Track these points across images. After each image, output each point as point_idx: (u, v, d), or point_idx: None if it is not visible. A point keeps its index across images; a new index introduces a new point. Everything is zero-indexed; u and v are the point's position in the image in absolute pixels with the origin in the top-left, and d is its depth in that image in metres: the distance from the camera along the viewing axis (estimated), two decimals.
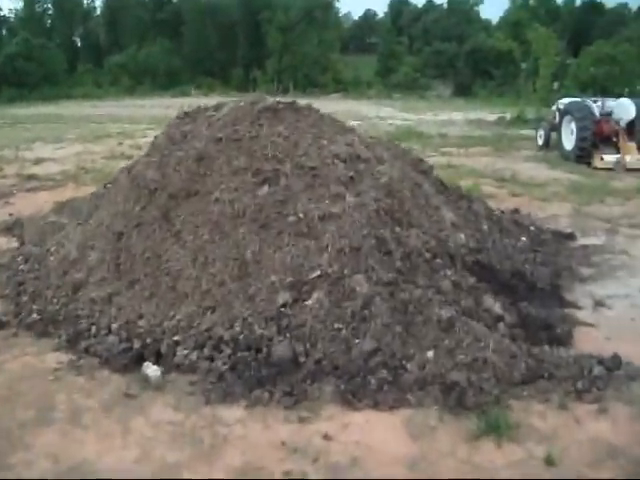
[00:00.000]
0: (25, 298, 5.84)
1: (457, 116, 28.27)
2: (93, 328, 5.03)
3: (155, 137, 6.82)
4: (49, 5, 63.37)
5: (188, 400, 4.21)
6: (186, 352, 4.59)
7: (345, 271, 4.82)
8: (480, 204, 7.68)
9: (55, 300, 5.61)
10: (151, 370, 4.43)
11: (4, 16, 64.54)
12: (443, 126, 23.54)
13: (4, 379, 4.55)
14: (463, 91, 47.25)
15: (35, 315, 5.44)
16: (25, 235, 8.24)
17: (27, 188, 12.02)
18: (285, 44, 50.84)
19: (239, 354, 4.50)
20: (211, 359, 4.53)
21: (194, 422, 3.97)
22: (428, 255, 5.24)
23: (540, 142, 17.18)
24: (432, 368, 4.23)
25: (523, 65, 46.59)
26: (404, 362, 4.31)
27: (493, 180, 12.36)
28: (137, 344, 4.70)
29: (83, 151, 16.95)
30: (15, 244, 8.05)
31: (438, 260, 5.30)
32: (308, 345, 4.47)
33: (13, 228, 8.89)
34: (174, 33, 57.14)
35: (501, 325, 4.93)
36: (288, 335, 4.55)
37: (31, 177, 12.93)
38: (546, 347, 4.71)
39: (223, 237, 5.24)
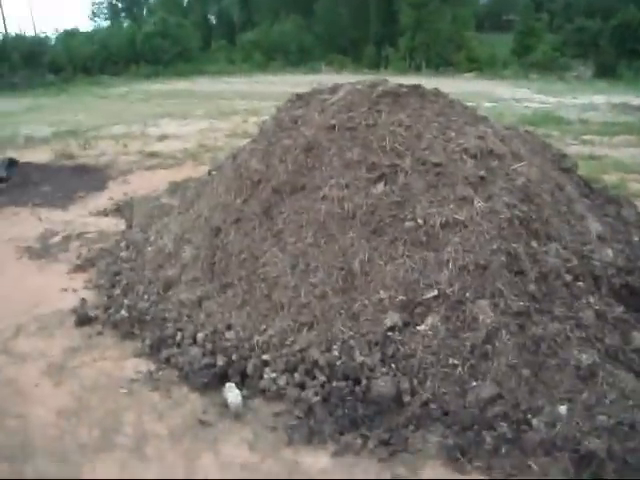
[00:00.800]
0: (118, 291, 5.53)
1: (599, 99, 26.04)
2: (178, 335, 4.56)
3: (263, 122, 6.26)
4: None
5: (268, 437, 3.62)
6: (274, 375, 4.00)
7: (467, 294, 4.02)
8: (631, 209, 6.58)
9: (146, 296, 5.23)
10: (232, 395, 3.87)
11: None
12: (584, 110, 21.68)
13: (76, 388, 4.19)
14: (606, 72, 43.82)
15: (124, 312, 5.10)
16: (133, 218, 8.04)
17: (147, 166, 11.98)
18: (418, 21, 49.25)
19: (334, 383, 3.85)
20: (302, 386, 3.92)
21: (270, 467, 3.37)
22: (568, 277, 4.33)
23: None
24: (564, 428, 3.36)
25: None
26: (529, 416, 3.48)
27: None
28: (221, 360, 4.16)
29: (208, 128, 16.88)
30: (123, 227, 7.87)
31: (580, 283, 4.38)
32: (415, 382, 3.74)
33: (124, 209, 8.78)
34: (306, 10, 56.94)
35: None
36: (393, 366, 3.85)
37: (153, 154, 12.90)
38: None
39: (329, 241, 4.58)
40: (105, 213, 8.78)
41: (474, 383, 3.65)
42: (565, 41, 50.34)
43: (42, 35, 46.99)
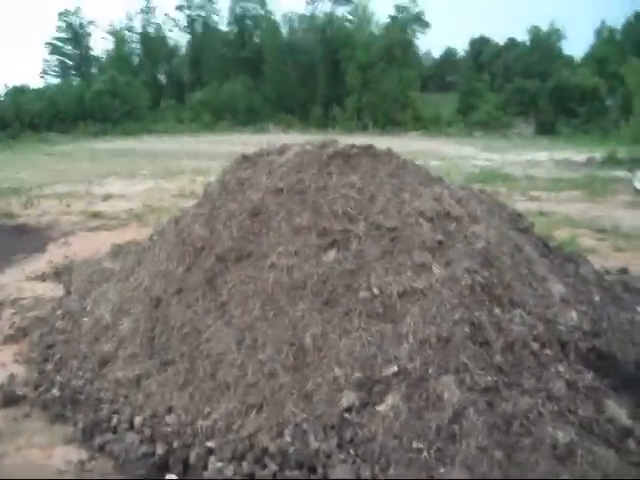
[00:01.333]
0: (50, 366, 5.07)
1: (542, 156, 26.77)
2: (114, 418, 4.12)
3: (208, 184, 5.96)
4: (137, 45, 65.48)
5: None
6: (220, 465, 3.59)
7: (430, 369, 3.71)
8: (588, 267, 6.45)
9: (80, 373, 4.78)
10: None
11: (95, 56, 67.29)
12: (529, 167, 22.18)
13: None
14: (546, 129, 45.46)
15: (55, 390, 4.64)
16: (72, 283, 7.57)
17: (89, 227, 11.59)
18: (365, 82, 50.39)
19: (287, 473, 3.47)
20: (251, 477, 3.51)
21: None
22: (535, 345, 4.08)
23: (638, 186, 15.63)
24: None
25: (609, 102, 44.67)
26: None
27: (591, 231, 11.00)
28: (161, 448, 3.74)
29: (154, 188, 16.60)
30: (61, 292, 7.40)
31: (547, 351, 4.13)
32: (377, 469, 3.37)
33: (63, 273, 8.32)
34: (255, 71, 57.76)
35: (630, 442, 3.71)
36: (352, 452, 3.49)
37: (96, 215, 12.54)
38: None
39: (277, 314, 4.25)
40: (43, 277, 8.31)
41: (442, 469, 3.31)
42: (506, 100, 52.17)
43: None
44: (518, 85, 52.18)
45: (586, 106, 45.37)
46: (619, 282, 6.95)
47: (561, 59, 60.29)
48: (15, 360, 5.42)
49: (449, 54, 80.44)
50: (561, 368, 4.06)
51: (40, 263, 9.00)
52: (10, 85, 51.30)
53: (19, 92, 48.79)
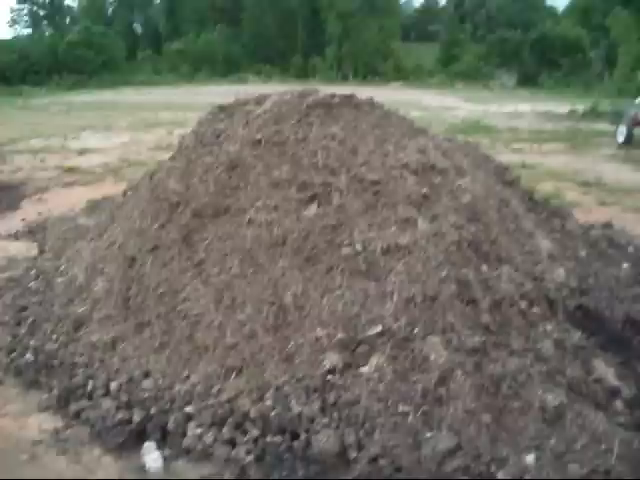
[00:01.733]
0: (24, 330, 4.86)
1: (524, 108, 26.50)
2: (89, 384, 3.94)
3: (182, 137, 5.69)
4: None
5: None
6: (199, 431, 3.45)
7: (415, 329, 3.57)
8: (573, 221, 6.33)
9: (54, 337, 4.59)
10: (151, 459, 3.31)
11: (67, 6, 65.37)
12: (511, 119, 21.97)
13: None
14: (528, 81, 45.11)
15: (29, 355, 4.45)
16: (47, 241, 7.34)
17: (65, 182, 11.28)
18: (345, 31, 49.54)
19: (269, 438, 3.33)
20: (232, 443, 3.38)
21: None
22: (523, 303, 3.96)
23: (621, 139, 15.61)
24: None
25: (592, 54, 44.31)
26: (493, 469, 3.03)
27: (575, 184, 10.89)
28: (138, 415, 3.58)
29: (130, 141, 16.27)
30: (35, 252, 7.16)
31: (535, 309, 4.02)
32: (362, 434, 3.25)
33: (37, 231, 8.07)
34: (233, 20, 56.52)
35: (618, 403, 3.64)
36: (335, 416, 3.36)
37: (71, 170, 12.23)
38: None
39: (257, 272, 4.07)
40: (16, 236, 8.05)
41: (429, 433, 3.20)
42: (488, 51, 51.65)
43: None
44: (500, 36, 51.58)
45: (569, 58, 45.01)
46: (604, 237, 6.85)
47: (544, 10, 59.68)
48: None
49: (430, 3, 79.21)
50: (549, 327, 3.96)
51: (13, 222, 8.73)
52: None
53: None
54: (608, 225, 7.84)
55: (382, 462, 3.13)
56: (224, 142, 4.91)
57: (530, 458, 3.07)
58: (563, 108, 24.81)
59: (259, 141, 4.71)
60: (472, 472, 3.04)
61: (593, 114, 22.40)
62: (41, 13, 64.93)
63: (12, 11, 68.33)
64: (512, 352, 3.58)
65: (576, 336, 4.01)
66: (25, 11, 64.99)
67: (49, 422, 3.80)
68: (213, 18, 57.83)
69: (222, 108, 5.53)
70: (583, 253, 5.58)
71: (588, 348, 3.98)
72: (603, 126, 18.38)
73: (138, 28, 66.10)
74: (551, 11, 60.80)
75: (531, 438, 3.17)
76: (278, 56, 54.36)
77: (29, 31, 62.67)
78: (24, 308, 5.25)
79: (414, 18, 77.14)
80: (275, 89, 5.76)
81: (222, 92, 29.19)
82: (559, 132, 18.12)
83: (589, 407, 3.39)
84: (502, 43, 51.02)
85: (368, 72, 47.98)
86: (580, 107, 23.68)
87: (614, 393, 3.69)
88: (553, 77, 44.24)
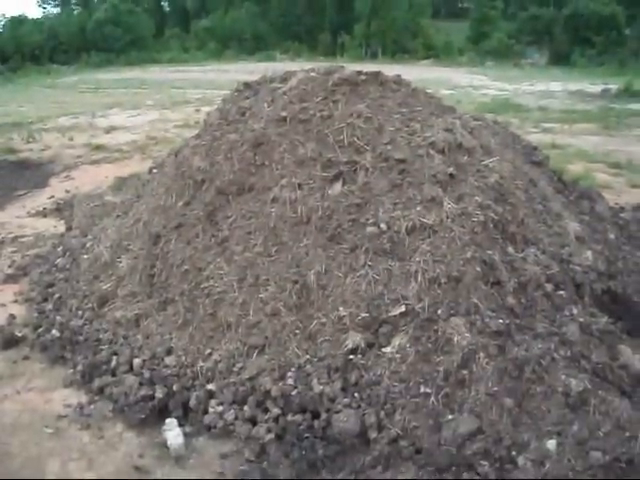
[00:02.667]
0: (50, 306, 4.95)
1: (556, 86, 25.96)
2: (113, 360, 4.00)
3: (208, 114, 5.66)
4: None
5: None
6: (221, 408, 3.47)
7: (439, 310, 3.52)
8: (603, 203, 6.20)
9: (80, 313, 4.67)
10: (172, 434, 3.33)
11: None
12: (542, 98, 21.49)
13: None
14: (560, 59, 44.05)
15: (55, 331, 4.53)
16: (74, 218, 7.41)
17: (92, 160, 11.35)
18: (374, 8, 48.87)
19: (289, 417, 3.35)
20: (252, 421, 3.41)
21: None
22: (549, 286, 3.88)
23: None
24: (554, 467, 2.89)
25: (627, 31, 43.14)
26: (514, 453, 3.00)
27: (606, 166, 10.60)
28: (160, 392, 3.61)
29: (158, 119, 16.25)
30: (62, 229, 7.24)
31: (561, 292, 3.94)
32: (382, 414, 3.23)
33: (65, 208, 8.16)
34: None
35: None
36: (357, 396, 3.35)
37: (99, 148, 12.27)
38: None
39: (280, 250, 4.05)
40: (44, 213, 8.19)
41: (450, 416, 3.17)
42: (520, 29, 50.57)
43: None
44: (532, 13, 50.45)
45: (603, 35, 43.87)
46: (634, 220, 6.70)
47: None
48: (15, 300, 5.33)
49: None
50: (575, 311, 3.87)
51: (41, 199, 8.88)
52: (8, 16, 50.13)
53: (17, 23, 47.59)
54: (639, 208, 7.69)
55: (402, 443, 3.12)
56: (249, 119, 4.87)
57: (552, 444, 3.01)
58: (596, 87, 24.26)
59: (284, 119, 4.66)
60: (492, 456, 3.00)
61: (627, 93, 21.78)
62: None
63: None
64: (536, 335, 3.52)
65: (602, 321, 3.92)
66: None
67: (73, 397, 3.87)
68: None
69: (247, 85, 5.48)
70: (612, 236, 5.47)
71: (614, 333, 3.89)
72: (637, 106, 17.95)
73: (166, 6, 66.08)
74: None
75: (553, 423, 3.11)
76: (306, 34, 53.91)
77: (58, 10, 63.03)
78: (51, 284, 5.35)
79: None
80: (303, 67, 5.70)
81: (250, 70, 29.22)
82: (591, 112, 17.70)
83: (614, 393, 3.32)
84: (534, 20, 49.92)
85: (397, 50, 47.35)
86: (614, 86, 23.11)
87: None
88: (586, 55, 43.20)
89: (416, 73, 25.17)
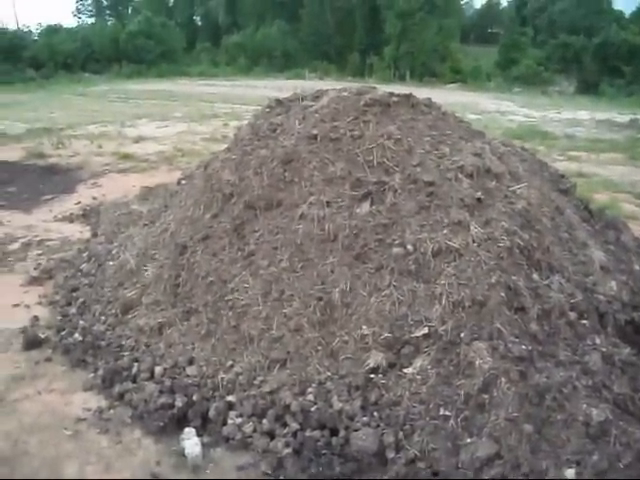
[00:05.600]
0: (74, 309, 5.02)
1: (583, 115, 25.85)
2: (134, 367, 4.04)
3: (239, 128, 5.74)
4: None
5: None
6: (240, 420, 3.50)
7: (462, 334, 3.54)
8: (629, 234, 6.16)
9: (103, 318, 4.73)
10: (190, 444, 3.35)
11: None
12: (569, 126, 21.41)
13: (14, 427, 3.66)
14: (588, 88, 43.79)
15: (77, 335, 4.59)
16: (100, 225, 7.51)
17: (120, 169, 11.50)
18: (404, 31, 49.01)
19: (308, 433, 3.37)
20: (271, 435, 3.43)
21: None
22: (573, 315, 3.87)
23: None
24: None
25: None
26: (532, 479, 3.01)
27: (632, 196, 10.57)
28: (180, 401, 3.65)
29: (186, 131, 16.42)
30: (88, 234, 7.35)
31: (584, 321, 3.93)
32: (401, 435, 3.25)
33: (91, 215, 8.27)
34: (292, 15, 56.57)
35: None
36: (376, 415, 3.37)
37: (127, 156, 12.43)
38: None
39: (306, 267, 4.09)
40: (71, 219, 8.29)
41: (468, 439, 3.17)
42: (549, 56, 50.42)
43: (24, 30, 46.22)
44: (562, 40, 50.33)
45: (633, 65, 43.63)
46: None
47: (610, 14, 57.92)
48: (39, 302, 5.41)
49: (492, 5, 77.99)
50: (598, 340, 3.85)
51: (68, 204, 8.99)
52: (44, 25, 51.05)
53: (53, 32, 48.41)
54: None
55: (420, 465, 3.13)
56: (280, 136, 4.94)
57: (571, 472, 3.00)
58: (624, 117, 24.14)
59: (315, 136, 4.72)
60: None
61: None
62: (104, 3, 66.43)
63: (77, 1, 70.20)
64: (558, 363, 3.51)
65: (625, 351, 3.89)
66: (89, 1, 66.63)
67: (93, 401, 3.92)
68: (272, 13, 57.99)
69: (279, 102, 5.55)
70: (637, 267, 5.42)
71: (637, 365, 3.86)
72: None
73: (198, 20, 66.89)
74: (618, 15, 58.97)
75: (573, 452, 3.09)
76: (335, 54, 54.26)
77: (92, 20, 64.12)
78: (75, 289, 5.42)
79: (474, 19, 76.17)
80: (332, 86, 5.77)
81: (278, 86, 29.47)
82: (618, 141, 17.62)
83: (635, 425, 3.29)
84: (563, 48, 49.79)
85: (425, 73, 47.46)
86: None
87: None
88: (615, 85, 42.99)
89: (443, 97, 25.20)
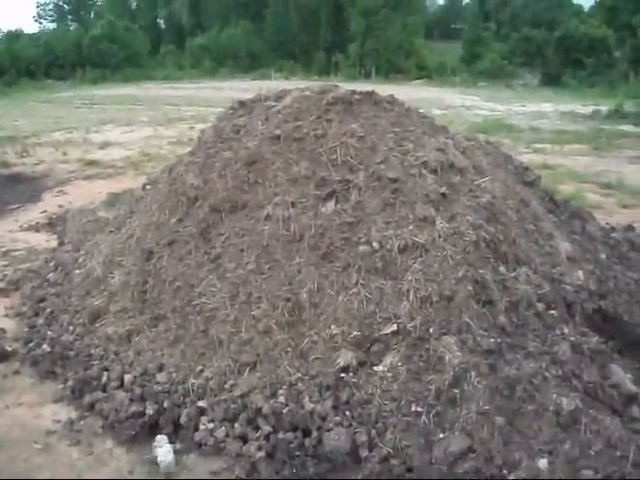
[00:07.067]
0: (41, 320, 4.94)
1: (547, 107, 26.19)
2: (104, 376, 3.98)
3: (202, 131, 5.70)
4: None
5: None
6: (212, 425, 3.46)
7: (431, 329, 3.54)
8: (594, 223, 6.25)
9: (71, 328, 4.66)
10: (162, 452, 3.31)
11: (92, 1, 65.84)
12: (533, 118, 21.66)
13: None
14: (551, 80, 44.39)
15: (46, 346, 4.51)
16: (66, 233, 7.41)
17: (86, 175, 11.40)
18: (368, 28, 49.17)
19: (280, 435, 3.34)
20: (243, 439, 3.39)
21: None
22: (540, 305, 3.91)
23: None
24: None
25: (617, 53, 43.58)
26: (505, 472, 3.00)
27: (597, 186, 10.71)
28: (151, 408, 3.60)
29: (152, 135, 16.31)
30: (55, 243, 7.24)
31: (553, 311, 3.96)
32: (374, 433, 3.24)
33: (57, 223, 8.16)
34: (256, 15, 56.53)
35: (634, 409, 3.56)
36: (348, 414, 3.36)
37: (92, 163, 12.33)
38: None
39: (273, 268, 4.07)
40: (37, 228, 8.17)
41: (441, 434, 3.18)
42: (512, 50, 50.99)
43: None
44: (524, 34, 50.93)
45: (594, 57, 44.30)
46: (625, 240, 6.75)
47: (570, 8, 58.79)
48: (6, 314, 5.30)
49: (455, 1, 78.69)
50: (566, 330, 3.90)
51: (34, 213, 8.86)
52: (4, 30, 50.28)
53: (14, 37, 47.76)
54: (630, 228, 7.72)
55: (393, 462, 3.12)
56: (243, 137, 4.91)
57: (543, 462, 3.03)
58: (587, 108, 24.49)
59: (278, 137, 4.70)
60: (484, 475, 3.01)
61: (617, 115, 22.01)
62: (66, 8, 65.65)
63: (38, 5, 69.35)
64: (528, 354, 3.53)
65: (593, 340, 3.94)
66: (51, 6, 65.82)
67: (63, 412, 3.86)
68: (236, 13, 57.83)
69: (242, 103, 5.52)
70: (603, 256, 5.50)
71: (605, 353, 3.91)
72: (627, 127, 18.12)
73: (161, 23, 66.43)
74: (577, 9, 59.89)
75: (545, 442, 3.12)
76: (301, 52, 54.32)
77: (54, 25, 63.34)
78: (42, 299, 5.34)
79: (438, 15, 76.75)
80: (297, 85, 5.75)
81: (244, 88, 29.35)
82: (582, 133, 17.85)
83: (605, 412, 3.34)
84: (526, 42, 50.37)
85: (391, 69, 47.67)
86: (604, 108, 23.35)
87: (631, 399, 3.61)
88: (577, 77, 43.61)
89: (409, 93, 25.40)
